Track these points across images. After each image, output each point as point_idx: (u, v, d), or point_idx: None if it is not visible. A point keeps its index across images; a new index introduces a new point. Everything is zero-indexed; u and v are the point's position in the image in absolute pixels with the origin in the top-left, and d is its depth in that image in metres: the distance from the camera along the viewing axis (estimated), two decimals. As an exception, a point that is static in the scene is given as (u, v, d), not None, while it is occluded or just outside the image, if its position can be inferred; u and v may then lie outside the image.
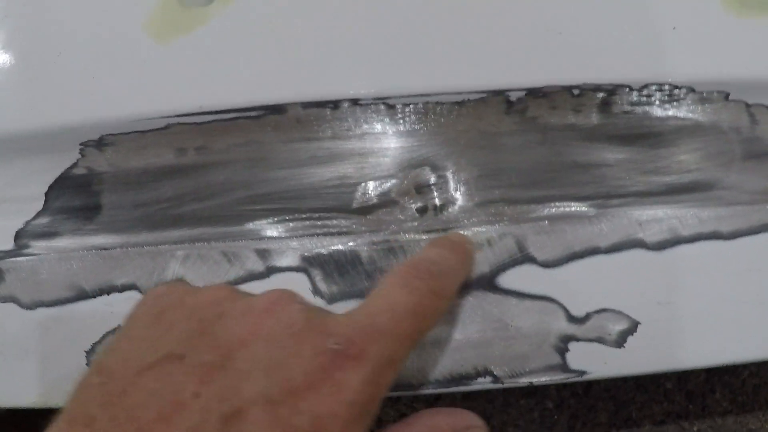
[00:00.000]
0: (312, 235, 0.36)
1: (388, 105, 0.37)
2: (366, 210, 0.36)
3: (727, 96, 0.38)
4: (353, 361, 0.25)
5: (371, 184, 0.37)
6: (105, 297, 0.37)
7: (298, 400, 0.24)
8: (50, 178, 0.38)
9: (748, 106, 0.38)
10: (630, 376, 0.36)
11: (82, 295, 0.36)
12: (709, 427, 0.40)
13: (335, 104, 0.37)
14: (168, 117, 0.37)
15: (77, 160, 0.38)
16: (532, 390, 0.39)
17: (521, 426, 0.39)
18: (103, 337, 0.36)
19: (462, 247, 0.34)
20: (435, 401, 0.39)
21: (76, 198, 0.38)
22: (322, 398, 0.24)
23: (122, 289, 0.36)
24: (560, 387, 0.39)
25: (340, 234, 0.36)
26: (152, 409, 0.23)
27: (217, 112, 0.37)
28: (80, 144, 0.38)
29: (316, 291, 0.35)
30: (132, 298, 0.36)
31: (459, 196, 0.36)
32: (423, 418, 0.29)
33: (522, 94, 0.37)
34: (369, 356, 0.25)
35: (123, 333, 0.27)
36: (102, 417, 0.24)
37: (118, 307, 0.36)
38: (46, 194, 0.38)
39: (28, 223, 0.37)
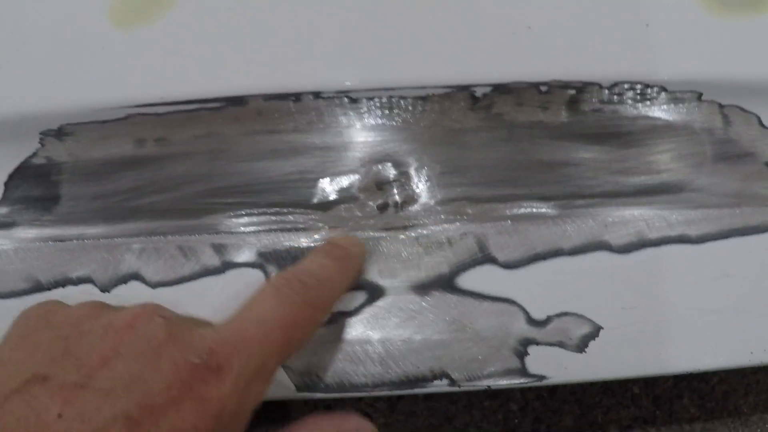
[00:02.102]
0: (270, 230, 0.35)
1: (351, 98, 0.35)
2: (326, 206, 0.34)
3: (700, 96, 0.36)
4: (215, 373, 0.24)
5: (332, 180, 0.35)
6: (60, 290, 0.35)
7: (158, 416, 0.23)
8: (10, 168, 0.36)
9: (721, 107, 0.36)
10: (591, 382, 0.34)
11: (38, 287, 0.35)
12: (676, 432, 0.38)
13: (297, 97, 0.35)
14: (128, 107, 0.35)
15: (37, 150, 0.36)
16: (496, 392, 0.37)
17: (484, 428, 0.37)
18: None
19: (344, 254, 0.32)
20: (397, 401, 0.37)
21: (35, 188, 0.36)
22: (183, 414, 0.23)
23: (78, 281, 0.35)
24: (525, 389, 0.37)
25: (298, 230, 0.34)
26: None
27: (177, 103, 0.35)
28: (40, 133, 0.36)
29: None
30: (87, 291, 0.34)
31: (420, 193, 0.34)
32: (307, 424, 0.28)
33: (488, 89, 0.35)
34: (232, 368, 0.24)
35: None
36: None
37: (74, 300, 0.34)
38: (6, 183, 0.36)
39: (-14, 212, 0.36)
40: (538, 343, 0.33)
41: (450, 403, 0.38)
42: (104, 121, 0.35)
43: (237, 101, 0.35)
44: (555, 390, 0.37)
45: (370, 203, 0.34)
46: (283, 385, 0.32)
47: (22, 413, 0.23)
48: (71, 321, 0.26)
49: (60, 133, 0.35)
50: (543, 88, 0.35)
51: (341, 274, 0.31)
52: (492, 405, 0.37)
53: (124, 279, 0.34)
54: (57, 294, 0.35)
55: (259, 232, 0.34)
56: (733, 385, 0.38)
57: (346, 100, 0.35)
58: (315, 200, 0.35)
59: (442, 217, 0.34)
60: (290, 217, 0.35)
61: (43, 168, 0.36)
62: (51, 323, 0.26)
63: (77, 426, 0.22)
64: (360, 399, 0.37)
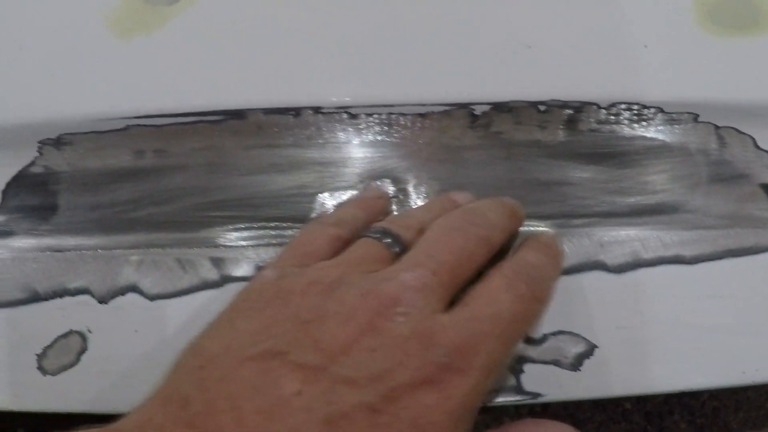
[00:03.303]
0: (268, 244, 0.35)
1: (351, 114, 0.35)
2: None
3: (696, 117, 0.36)
4: (459, 373, 0.24)
5: (330, 195, 0.35)
6: (58, 300, 0.34)
7: (400, 408, 0.23)
8: (8, 176, 0.36)
9: (717, 128, 0.36)
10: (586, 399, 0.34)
11: (35, 297, 0.34)
12: (667, 448, 0.38)
13: (297, 112, 0.35)
14: (127, 118, 0.35)
15: (35, 159, 0.36)
16: (489, 407, 0.37)
17: (477, 443, 0.37)
18: (55, 340, 0.34)
19: (555, 250, 0.32)
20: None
21: (33, 197, 0.36)
22: (425, 408, 0.23)
23: (75, 292, 0.34)
24: (519, 405, 0.38)
25: (296, 245, 0.34)
26: (253, 401, 0.22)
27: (176, 115, 0.35)
28: (38, 142, 0.35)
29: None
30: (85, 302, 0.34)
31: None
32: (524, 427, 0.29)
33: (487, 108, 0.35)
34: (474, 368, 0.24)
35: (225, 321, 0.27)
36: (198, 399, 0.23)
37: (71, 310, 0.34)
38: (3, 192, 0.36)
39: (-17, 221, 0.35)
40: (533, 361, 0.33)
41: (444, 417, 0.38)
42: (103, 132, 0.35)
43: (237, 115, 0.35)
44: (548, 405, 0.38)
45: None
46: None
47: (259, 382, 0.23)
48: (309, 302, 0.25)
49: (59, 142, 0.35)
50: (541, 108, 0.35)
51: (554, 269, 0.31)
52: (485, 419, 0.37)
53: (122, 291, 0.34)
54: (54, 304, 0.34)
55: (257, 246, 0.34)
56: (724, 401, 0.39)
57: (345, 115, 0.35)
58: (313, 215, 0.35)
59: (440, 234, 0.34)
60: (289, 232, 0.35)
61: (41, 177, 0.36)
62: (287, 302, 0.25)
63: (318, 406, 0.22)
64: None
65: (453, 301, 0.27)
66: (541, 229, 0.34)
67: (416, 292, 0.25)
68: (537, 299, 0.28)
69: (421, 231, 0.29)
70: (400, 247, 0.29)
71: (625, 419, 0.39)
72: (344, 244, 0.30)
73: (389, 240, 0.29)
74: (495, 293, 0.27)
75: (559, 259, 0.32)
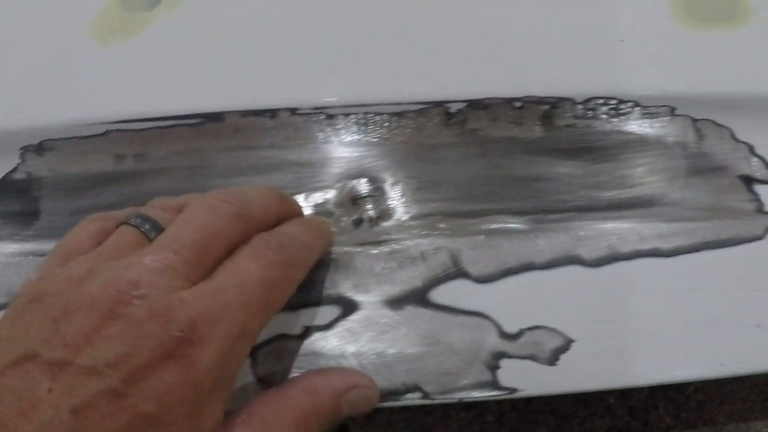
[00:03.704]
0: (246, 245, 0.34)
1: (327, 115, 0.35)
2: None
3: (673, 111, 0.36)
4: (197, 345, 0.25)
5: (308, 195, 0.35)
6: (41, 303, 0.34)
7: (143, 388, 0.23)
8: (-9, 183, 0.36)
9: (694, 121, 0.36)
10: (562, 395, 0.34)
11: (18, 301, 0.34)
12: (652, 442, 0.38)
13: (274, 113, 0.35)
14: (107, 123, 0.35)
15: (17, 165, 0.36)
16: (472, 403, 0.37)
17: (460, 439, 0.37)
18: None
19: (316, 224, 0.33)
20: (374, 412, 0.38)
21: (15, 203, 0.36)
22: (168, 384, 0.24)
23: (58, 295, 0.34)
24: (501, 401, 0.38)
25: (273, 245, 0.34)
26: (11, 405, 0.23)
27: (155, 119, 0.35)
28: (20, 149, 0.36)
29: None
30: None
31: (395, 209, 0.35)
32: (301, 381, 0.29)
33: (462, 105, 0.35)
34: (214, 337, 0.25)
35: None
36: None
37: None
38: (-13, 198, 0.36)
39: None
40: (510, 356, 0.33)
41: (426, 415, 0.38)
42: (84, 137, 0.36)
43: (215, 117, 0.35)
44: (530, 401, 0.38)
45: (345, 218, 0.35)
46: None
47: (17, 386, 0.24)
48: (60, 300, 0.26)
49: (40, 148, 0.36)
50: (517, 104, 0.35)
51: (314, 239, 0.32)
52: (468, 416, 0.38)
53: (103, 294, 0.34)
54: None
55: (235, 247, 0.34)
56: (709, 394, 0.39)
57: (322, 116, 0.35)
58: (291, 215, 0.35)
59: (416, 232, 0.34)
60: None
61: (23, 183, 0.36)
62: (43, 303, 0.26)
63: (66, 400, 0.23)
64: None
65: None
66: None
67: (156, 273, 0.25)
68: (289, 264, 0.28)
69: (180, 210, 0.29)
70: (155, 230, 0.29)
71: (609, 414, 0.39)
72: (108, 236, 0.30)
73: (146, 225, 0.29)
74: (240, 262, 0.27)
75: (319, 227, 0.33)
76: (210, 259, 0.28)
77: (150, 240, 0.29)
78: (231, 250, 0.28)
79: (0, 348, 0.26)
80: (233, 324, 0.26)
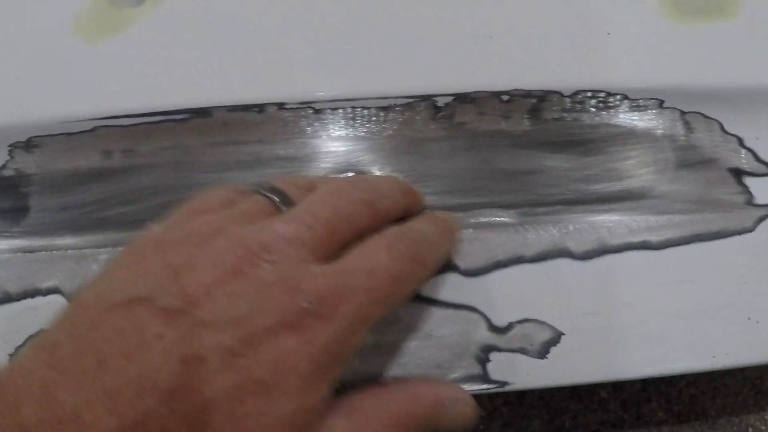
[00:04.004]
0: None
1: (315, 109, 0.35)
2: None
3: (661, 103, 0.36)
4: (322, 320, 0.24)
5: (296, 190, 0.35)
6: (29, 300, 0.35)
7: (260, 352, 0.23)
8: (-21, 180, 0.36)
9: (683, 113, 0.36)
10: (553, 387, 0.34)
11: (6, 298, 0.35)
12: (644, 436, 0.38)
13: (261, 108, 0.35)
14: (94, 119, 0.35)
15: (6, 162, 0.36)
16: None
17: (452, 433, 0.37)
18: (27, 339, 0.34)
19: (446, 223, 0.33)
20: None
21: (4, 200, 0.36)
22: (285, 352, 0.24)
23: (46, 292, 0.35)
24: (493, 395, 0.38)
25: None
26: (116, 344, 0.23)
27: (143, 115, 0.35)
28: (9, 146, 0.36)
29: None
30: (56, 301, 0.34)
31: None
32: (405, 385, 0.29)
33: (450, 99, 0.35)
34: (339, 315, 0.25)
35: (105, 273, 0.27)
36: (66, 345, 0.24)
37: (42, 310, 0.35)
38: (-24, 196, 0.36)
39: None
40: (499, 350, 0.33)
41: (418, 410, 0.37)
42: (71, 134, 0.36)
43: (202, 113, 0.35)
44: (523, 396, 0.37)
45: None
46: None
47: (123, 326, 0.23)
48: (183, 251, 0.25)
49: (28, 145, 0.36)
50: (504, 98, 0.35)
51: (443, 239, 0.32)
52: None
53: (91, 290, 0.34)
54: (25, 305, 0.34)
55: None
56: (701, 388, 0.39)
57: (310, 111, 0.35)
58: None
59: (405, 225, 0.34)
60: (255, 227, 0.34)
61: (12, 180, 0.36)
62: (164, 252, 0.26)
63: (176, 348, 0.23)
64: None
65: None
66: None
67: (287, 242, 0.25)
68: (417, 262, 0.28)
69: (309, 190, 0.30)
70: (286, 204, 0.29)
71: (602, 408, 0.38)
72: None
73: (275, 196, 0.29)
74: (372, 251, 0.27)
75: (450, 229, 0.32)
76: (338, 241, 0.27)
77: (276, 213, 0.29)
78: (357, 237, 0.28)
79: (109, 287, 0.25)
80: (358, 307, 0.26)
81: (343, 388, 0.28)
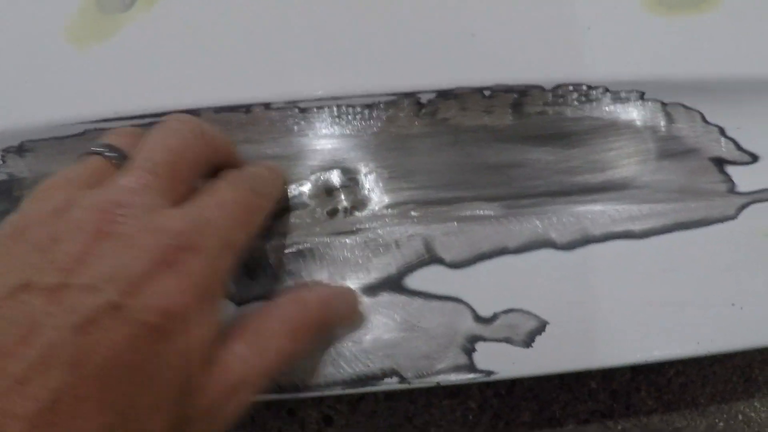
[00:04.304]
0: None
1: (300, 109, 0.36)
2: (276, 214, 0.35)
3: (642, 95, 0.36)
4: (191, 251, 0.26)
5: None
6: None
7: (143, 298, 0.24)
8: (-27, 185, 0.37)
9: (664, 105, 0.36)
10: (540, 376, 0.34)
11: None
12: (634, 425, 0.38)
13: (248, 108, 0.36)
14: (84, 123, 0.36)
15: (-1, 167, 0.37)
16: (454, 391, 0.37)
17: (443, 426, 0.38)
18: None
19: (272, 167, 0.35)
20: (357, 402, 0.38)
21: (-2, 204, 0.36)
22: (166, 291, 0.25)
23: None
24: (483, 387, 0.38)
25: (250, 237, 0.35)
26: (10, 333, 0.24)
27: (132, 118, 0.36)
28: (1, 150, 0.36)
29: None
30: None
31: (369, 198, 0.35)
32: (290, 293, 0.32)
33: (432, 95, 0.35)
34: (205, 244, 0.27)
35: None
36: None
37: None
38: (-30, 201, 0.36)
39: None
40: (485, 340, 0.33)
41: (409, 403, 0.38)
42: (62, 137, 0.36)
43: (189, 114, 0.35)
44: (513, 387, 0.38)
45: (320, 209, 0.35)
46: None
47: (13, 315, 0.24)
48: (43, 230, 0.26)
49: (21, 149, 0.36)
50: (487, 93, 0.36)
51: (273, 175, 0.34)
52: (451, 404, 0.38)
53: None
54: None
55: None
56: (691, 377, 0.39)
57: (296, 110, 0.36)
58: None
59: (390, 220, 0.35)
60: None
61: (5, 184, 0.37)
62: (25, 236, 0.27)
63: (66, 319, 0.23)
64: (321, 401, 0.38)
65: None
66: None
67: (135, 193, 0.27)
68: (257, 193, 0.31)
69: (139, 139, 0.31)
70: (119, 156, 0.30)
71: (592, 398, 0.39)
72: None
73: (108, 152, 0.30)
74: (217, 189, 0.29)
75: (276, 170, 0.35)
76: (183, 179, 0.29)
77: (114, 168, 0.30)
78: (199, 171, 0.31)
79: None
80: (218, 234, 0.28)
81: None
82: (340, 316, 0.33)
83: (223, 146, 0.32)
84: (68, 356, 0.23)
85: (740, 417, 0.40)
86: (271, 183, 0.34)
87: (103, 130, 0.36)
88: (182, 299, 0.25)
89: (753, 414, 0.40)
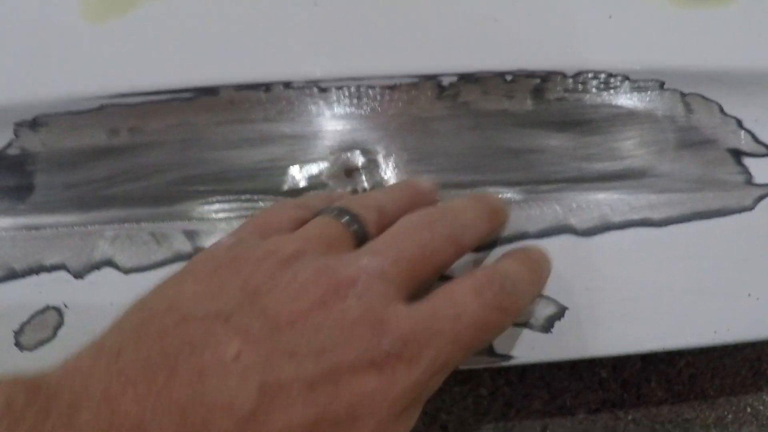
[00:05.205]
0: (240, 216, 0.35)
1: (320, 88, 0.35)
2: (295, 193, 0.34)
3: (662, 85, 0.36)
4: (405, 363, 0.23)
5: (301, 167, 0.35)
6: (34, 277, 0.35)
7: (339, 388, 0.22)
8: (-15, 159, 0.36)
9: (683, 95, 0.36)
10: (558, 362, 0.34)
11: (12, 275, 0.35)
12: (644, 416, 0.38)
13: (267, 87, 0.35)
14: (102, 98, 0.35)
15: (11, 141, 0.36)
16: (465, 377, 0.37)
17: (455, 413, 0.37)
18: (32, 316, 0.34)
19: (539, 265, 0.32)
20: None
21: (9, 178, 0.36)
22: (365, 393, 0.23)
23: (51, 269, 0.34)
24: (495, 375, 0.38)
25: (268, 216, 0.34)
26: (188, 359, 0.22)
27: (149, 93, 0.35)
28: (14, 124, 0.36)
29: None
30: (61, 277, 0.34)
31: (388, 180, 0.35)
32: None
33: (454, 79, 0.35)
34: (422, 361, 0.24)
35: (174, 281, 0.26)
36: (132, 351, 0.22)
37: (47, 286, 0.35)
38: (-19, 174, 0.36)
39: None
40: (504, 324, 0.32)
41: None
42: (78, 112, 0.35)
43: (208, 91, 0.35)
44: (524, 375, 0.38)
45: (339, 190, 0.34)
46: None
47: (197, 340, 0.22)
48: (262, 271, 0.24)
49: (34, 123, 0.36)
50: (508, 78, 0.35)
51: (533, 285, 0.30)
52: (462, 390, 0.38)
53: (98, 265, 0.34)
54: (30, 281, 0.34)
55: (230, 218, 0.35)
56: (700, 368, 0.39)
57: (315, 89, 0.35)
58: (285, 187, 0.35)
59: (410, 202, 0.34)
60: (261, 204, 0.35)
61: (17, 158, 0.36)
62: (240, 269, 0.25)
63: (256, 373, 0.22)
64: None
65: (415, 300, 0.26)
66: (530, 244, 0.34)
67: (373, 277, 0.25)
68: (505, 311, 0.27)
69: (380, 212, 0.29)
70: (359, 226, 0.28)
71: (602, 388, 0.39)
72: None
73: (347, 218, 0.28)
74: (460, 295, 0.26)
75: (542, 274, 0.31)
76: (422, 278, 0.27)
77: (354, 239, 0.28)
78: (439, 273, 0.28)
79: (182, 297, 0.24)
80: (441, 353, 0.24)
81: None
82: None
83: (481, 240, 0.30)
84: (243, 411, 0.21)
85: (749, 410, 0.40)
86: (528, 294, 0.29)
87: (120, 105, 0.35)
88: (376, 405, 0.23)
89: (762, 407, 0.40)
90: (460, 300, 0.25)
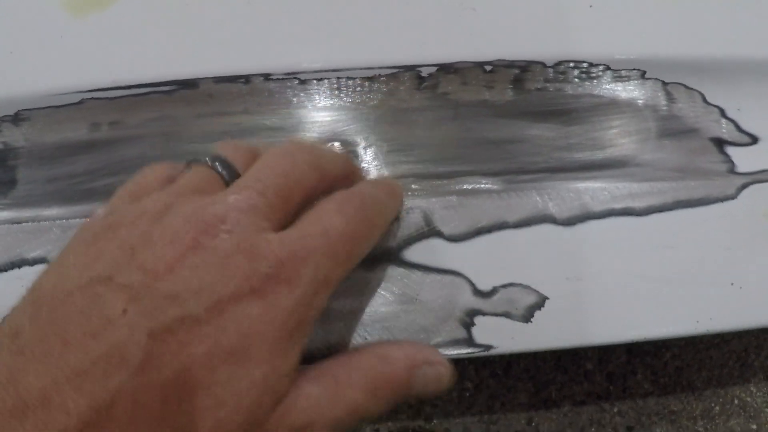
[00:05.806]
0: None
1: (300, 80, 0.35)
2: None
3: (644, 74, 0.36)
4: (285, 284, 0.24)
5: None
6: (16, 270, 0.34)
7: (226, 320, 0.23)
8: (-32, 154, 0.36)
9: (665, 84, 0.36)
10: (539, 351, 0.34)
11: (-6, 269, 0.34)
12: (630, 408, 0.37)
13: (247, 79, 0.35)
14: (82, 92, 0.35)
15: (-6, 136, 0.36)
16: (450, 369, 0.36)
17: (439, 405, 0.37)
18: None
19: (390, 185, 0.33)
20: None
21: (-8, 173, 0.36)
22: (251, 318, 0.23)
23: (33, 262, 0.34)
24: (480, 368, 0.37)
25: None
26: (80, 324, 0.22)
27: (130, 87, 0.35)
28: (-3, 119, 0.36)
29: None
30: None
31: (368, 171, 0.34)
32: (375, 347, 0.28)
33: (433, 69, 0.35)
34: (301, 279, 0.25)
35: (58, 259, 0.26)
36: (29, 329, 0.23)
37: (29, 280, 0.34)
38: (-36, 170, 0.36)
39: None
40: (484, 314, 0.32)
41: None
42: (59, 106, 0.35)
43: (188, 84, 0.35)
44: (509, 368, 0.37)
45: None
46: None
47: (85, 306, 0.23)
48: (136, 230, 0.25)
49: (16, 118, 0.36)
50: (488, 68, 0.35)
51: (391, 200, 0.32)
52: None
53: (77, 258, 0.34)
54: (12, 275, 0.34)
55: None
56: (686, 360, 0.38)
57: (295, 81, 0.35)
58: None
59: (389, 192, 0.34)
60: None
61: (0, 154, 0.36)
62: (116, 233, 0.25)
63: (142, 322, 0.22)
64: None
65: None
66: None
67: (241, 211, 0.25)
68: (369, 222, 0.28)
69: (250, 152, 0.29)
70: (230, 172, 0.28)
71: (588, 380, 0.38)
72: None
73: (215, 163, 0.29)
74: (324, 214, 0.27)
75: (394, 191, 0.33)
76: (291, 206, 0.27)
77: (225, 181, 0.29)
78: (308, 200, 0.28)
79: (66, 271, 0.25)
80: (318, 269, 0.25)
81: (314, 358, 0.28)
82: (425, 384, 0.28)
83: (340, 175, 0.30)
84: (136, 360, 0.22)
85: (736, 401, 0.39)
86: (387, 209, 0.31)
87: (100, 99, 0.35)
88: (264, 329, 0.24)
89: (749, 398, 0.39)
90: (326, 218, 0.26)
